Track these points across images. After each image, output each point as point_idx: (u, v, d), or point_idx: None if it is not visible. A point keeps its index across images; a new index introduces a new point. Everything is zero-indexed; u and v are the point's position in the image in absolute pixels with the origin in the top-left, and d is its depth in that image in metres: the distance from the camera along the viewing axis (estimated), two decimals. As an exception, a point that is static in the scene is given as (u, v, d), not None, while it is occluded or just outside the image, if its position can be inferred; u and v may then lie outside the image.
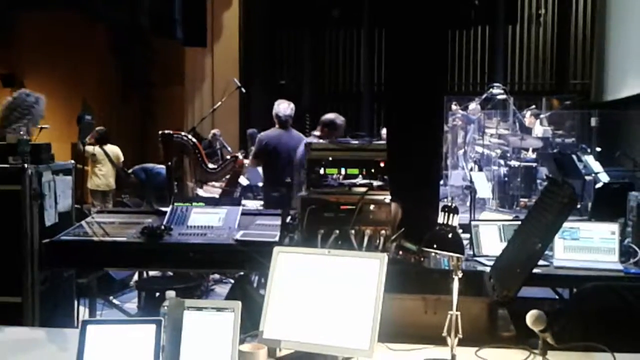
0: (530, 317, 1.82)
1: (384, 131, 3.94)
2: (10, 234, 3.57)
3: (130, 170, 9.62)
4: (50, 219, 3.74)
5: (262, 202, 6.71)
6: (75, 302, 4.00)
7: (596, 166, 7.85)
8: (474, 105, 10.02)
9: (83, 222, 3.82)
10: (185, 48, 12.13)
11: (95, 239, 3.59)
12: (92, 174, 9.41)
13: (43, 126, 6.29)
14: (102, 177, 9.44)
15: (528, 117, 10.22)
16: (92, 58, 12.31)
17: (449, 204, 2.09)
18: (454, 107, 10.29)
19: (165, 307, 1.98)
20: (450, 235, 2.04)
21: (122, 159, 9.66)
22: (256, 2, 13.15)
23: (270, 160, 6.20)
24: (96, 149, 9.44)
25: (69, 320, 3.92)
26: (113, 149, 9.58)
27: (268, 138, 6.30)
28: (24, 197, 3.58)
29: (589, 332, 2.14)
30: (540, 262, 3.43)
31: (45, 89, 13.29)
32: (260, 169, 8.72)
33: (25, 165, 3.60)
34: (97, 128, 9.64)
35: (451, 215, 2.05)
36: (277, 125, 6.38)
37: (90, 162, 9.37)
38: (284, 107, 6.35)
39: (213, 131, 9.80)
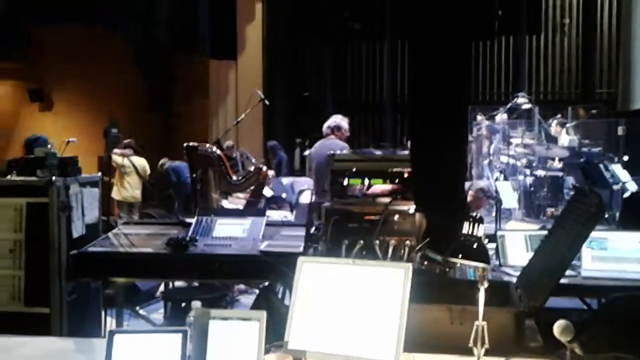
0: (558, 327, 1.80)
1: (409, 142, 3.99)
2: (39, 246, 3.63)
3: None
4: (77, 230, 3.79)
5: (285, 213, 6.72)
6: (102, 313, 4.04)
7: (624, 175, 7.75)
8: (500, 116, 9.95)
9: (110, 234, 3.86)
10: (209, 61, 12.22)
11: (121, 250, 3.63)
12: (119, 186, 9.51)
13: (70, 139, 6.38)
14: (129, 188, 9.53)
15: (554, 126, 10.12)
16: (117, 72, 12.47)
17: (474, 214, 2.08)
18: (479, 117, 10.23)
19: (191, 317, 1.99)
20: (475, 246, 2.03)
21: (148, 171, 9.76)
22: (279, 14, 13.24)
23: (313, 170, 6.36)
24: (124, 160, 9.55)
25: (96, 330, 3.96)
26: (140, 161, 9.68)
27: (312, 149, 6.50)
28: (52, 209, 3.64)
29: (617, 343, 2.11)
30: (568, 272, 3.39)
31: (71, 103, 13.59)
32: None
33: (53, 178, 3.66)
34: (126, 140, 9.77)
35: (476, 225, 2.03)
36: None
37: (118, 173, 9.48)
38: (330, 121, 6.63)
39: (227, 143, 9.86)
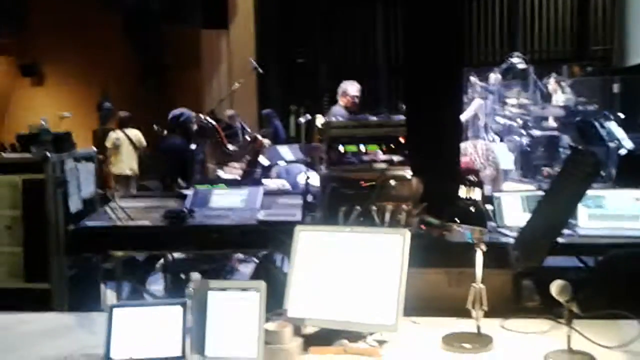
0: (555, 287, 1.81)
1: (404, 106, 3.98)
2: (36, 222, 3.63)
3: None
4: (74, 205, 3.79)
5: (283, 181, 6.73)
6: (102, 286, 4.06)
7: (619, 133, 7.75)
8: (494, 76, 9.89)
9: (107, 207, 3.86)
10: (201, 31, 12.09)
11: (119, 223, 3.64)
12: (115, 160, 9.50)
13: (64, 114, 6.35)
14: (125, 161, 9.51)
15: (552, 83, 10.07)
16: (108, 44, 12.35)
17: (471, 177, 2.08)
18: (472, 79, 10.18)
19: (190, 289, 1.99)
20: (472, 208, 2.03)
21: (144, 143, 9.72)
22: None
23: None
24: (119, 134, 9.52)
25: (96, 304, 3.98)
26: (135, 133, 9.65)
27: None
28: (48, 185, 3.63)
29: (615, 300, 2.13)
30: (565, 231, 3.40)
31: (64, 77, 13.49)
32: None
33: (48, 154, 3.65)
34: (120, 112, 9.72)
35: (473, 188, 2.03)
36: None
37: (114, 147, 9.46)
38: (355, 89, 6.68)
39: (228, 112, 9.81)
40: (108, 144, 9.49)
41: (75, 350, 2.02)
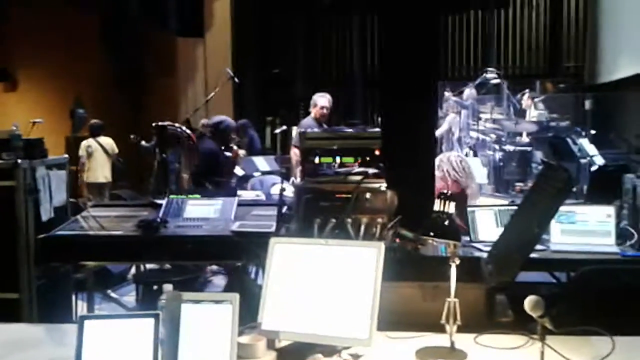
0: (528, 303, 1.82)
1: (379, 119, 4.00)
2: (6, 230, 3.57)
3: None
4: (45, 213, 3.74)
5: (258, 192, 6.71)
6: (73, 297, 4.00)
7: (591, 149, 7.86)
8: (468, 91, 10.00)
9: (79, 217, 3.81)
10: (177, 39, 12.05)
11: (91, 233, 3.58)
12: (88, 167, 9.42)
13: (36, 120, 6.27)
14: (98, 169, 9.44)
15: (525, 100, 10.20)
16: (84, 51, 12.23)
17: (445, 191, 2.09)
18: (446, 93, 10.28)
19: (163, 301, 1.97)
20: (446, 222, 2.03)
21: (116, 150, 9.66)
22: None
23: None
24: (91, 142, 9.45)
25: (67, 315, 3.93)
26: (107, 141, 9.59)
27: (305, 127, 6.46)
28: (19, 192, 3.58)
29: (588, 316, 2.15)
30: (537, 247, 3.43)
31: (37, 83, 13.30)
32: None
33: (19, 161, 3.59)
34: (92, 121, 9.66)
35: (447, 202, 2.04)
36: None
37: (86, 155, 9.38)
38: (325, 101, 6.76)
39: (202, 122, 9.77)
40: (81, 151, 9.41)
41: (44, 362, 1.98)
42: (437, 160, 4.30)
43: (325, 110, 6.75)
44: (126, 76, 12.98)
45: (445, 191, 2.10)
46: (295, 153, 6.66)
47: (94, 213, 3.85)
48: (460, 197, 3.99)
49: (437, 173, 4.19)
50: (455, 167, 4.24)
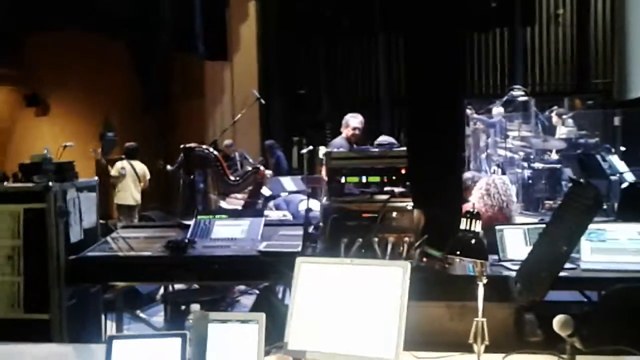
0: (557, 322, 1.80)
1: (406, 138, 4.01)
2: (37, 252, 3.61)
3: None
4: (75, 235, 3.78)
5: (285, 212, 6.73)
6: (103, 317, 4.03)
7: (621, 166, 7.76)
8: (496, 109, 9.95)
9: (108, 238, 3.85)
10: (204, 62, 12.20)
11: (120, 254, 3.62)
12: (119, 189, 9.54)
13: (67, 144, 6.38)
14: (129, 191, 9.56)
15: (554, 117, 10.12)
16: (112, 74, 12.44)
17: (471, 209, 2.08)
18: (468, 111, 10.23)
19: (190, 321, 1.98)
20: (473, 241, 2.02)
21: (148, 176, 9.78)
22: (271, 13, 13.23)
23: None
24: (124, 163, 9.58)
25: (96, 335, 3.95)
26: (141, 166, 9.73)
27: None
28: (49, 214, 3.62)
29: (619, 335, 2.11)
30: (567, 265, 3.38)
31: (67, 107, 13.54)
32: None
33: (50, 184, 3.65)
34: (127, 144, 9.81)
35: (473, 220, 2.03)
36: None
37: (120, 176, 9.52)
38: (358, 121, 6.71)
39: (226, 142, 9.84)
40: (113, 172, 9.54)
41: (74, 382, 2.00)
42: (482, 184, 4.27)
43: (357, 132, 6.75)
44: (154, 99, 13.17)
45: (471, 209, 2.09)
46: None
47: (123, 234, 3.89)
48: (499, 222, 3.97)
49: (485, 199, 4.16)
50: (502, 192, 4.19)
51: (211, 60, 11.99)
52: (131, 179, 9.60)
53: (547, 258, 2.44)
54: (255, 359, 1.85)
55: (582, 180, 4.68)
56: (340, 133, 6.90)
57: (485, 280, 2.01)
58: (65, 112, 13.32)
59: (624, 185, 6.74)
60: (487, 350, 1.99)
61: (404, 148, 3.65)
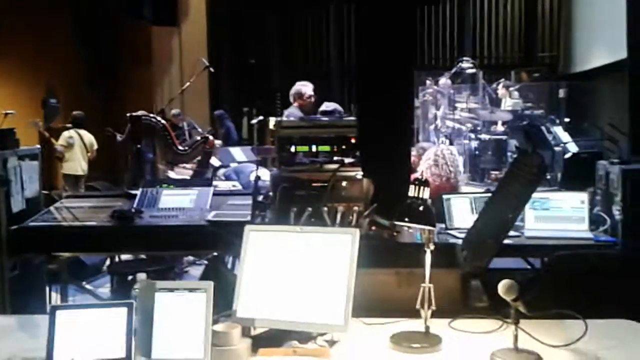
0: (503, 286, 1.83)
1: (355, 108, 3.99)
2: (-23, 222, 3.50)
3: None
4: (17, 205, 3.68)
5: (234, 183, 6.67)
6: (47, 289, 3.95)
7: (565, 137, 7.95)
8: (444, 80, 10.04)
9: (52, 208, 3.76)
10: (151, 29, 11.92)
11: (64, 224, 3.54)
12: (67, 159, 9.34)
13: (8, 112, 6.17)
14: (77, 161, 9.37)
15: (500, 89, 10.27)
16: (55, 41, 12.05)
17: (420, 177, 2.09)
18: (428, 82, 10.29)
19: (136, 290, 1.95)
20: (421, 208, 2.04)
21: (96, 146, 9.60)
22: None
23: None
24: (72, 132, 9.37)
25: (41, 307, 3.87)
26: (89, 136, 9.54)
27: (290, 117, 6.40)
28: (-11, 183, 3.51)
29: (561, 300, 2.16)
30: (512, 233, 3.46)
31: (8, 74, 13.08)
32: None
33: (-10, 151, 3.53)
34: (74, 112, 9.59)
35: (422, 188, 2.04)
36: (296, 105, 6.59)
37: (67, 145, 9.31)
38: (309, 89, 6.64)
39: (173, 112, 9.69)
40: (61, 141, 9.33)
41: (16, 353, 1.95)
42: (430, 154, 4.31)
43: (312, 99, 6.69)
44: (99, 67, 12.83)
45: (419, 177, 2.10)
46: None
47: (67, 204, 3.80)
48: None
49: (433, 169, 4.19)
50: (449, 163, 4.24)
51: (159, 26, 11.71)
52: (79, 149, 9.42)
53: (493, 225, 2.49)
54: (204, 327, 1.83)
55: (527, 149, 4.76)
56: (290, 104, 6.85)
57: (432, 247, 2.03)
58: (5, 80, 12.88)
59: (568, 155, 6.90)
60: (434, 315, 2.02)
61: (354, 118, 3.65)
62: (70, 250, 3.68)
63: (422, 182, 2.04)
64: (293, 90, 6.77)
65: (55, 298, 3.93)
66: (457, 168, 4.32)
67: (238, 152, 9.00)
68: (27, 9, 11.56)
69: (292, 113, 6.62)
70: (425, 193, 2.03)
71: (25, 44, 11.97)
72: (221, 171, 7.08)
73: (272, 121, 7.59)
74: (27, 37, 11.89)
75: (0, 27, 11.96)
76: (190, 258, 6.50)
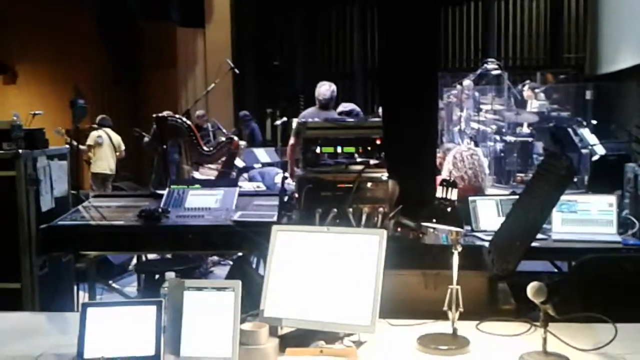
0: (531, 288, 1.82)
1: (381, 109, 3.97)
2: (7, 220, 3.57)
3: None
4: (46, 204, 3.74)
5: (258, 184, 6.71)
6: (75, 287, 4.00)
7: (592, 139, 7.85)
8: (468, 82, 9.97)
9: (80, 207, 3.81)
10: (177, 30, 12.01)
11: (92, 223, 3.58)
12: (96, 158, 9.49)
13: (36, 112, 6.25)
14: (105, 160, 9.51)
15: (526, 90, 10.18)
16: (82, 42, 12.22)
17: (448, 178, 2.08)
18: (459, 86, 10.21)
19: (166, 288, 1.97)
20: (449, 210, 2.03)
21: (123, 147, 9.74)
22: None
23: None
24: (101, 132, 9.53)
25: (69, 305, 3.93)
26: (116, 136, 9.69)
27: (306, 117, 6.32)
28: (20, 182, 3.57)
29: (589, 303, 2.15)
30: (539, 236, 3.42)
31: (36, 76, 13.30)
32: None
33: (20, 151, 3.59)
34: (100, 116, 9.74)
35: (450, 189, 2.04)
36: (317, 106, 6.42)
37: (96, 144, 9.45)
38: (324, 89, 6.45)
39: (198, 113, 9.76)
40: (89, 141, 9.47)
41: (47, 349, 1.98)
42: (450, 157, 4.27)
43: (325, 99, 6.64)
44: (126, 68, 12.97)
45: (447, 178, 2.10)
46: (292, 146, 6.63)
47: (95, 203, 3.85)
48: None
49: (453, 171, 4.16)
50: (468, 165, 4.19)
51: (186, 27, 11.79)
52: (108, 148, 9.57)
53: (520, 228, 2.47)
54: (232, 326, 1.84)
55: (555, 151, 4.71)
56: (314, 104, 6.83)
57: (460, 249, 2.03)
58: (33, 81, 13.08)
59: (595, 158, 6.82)
60: (461, 317, 2.01)
61: (378, 119, 3.65)
62: (98, 249, 3.73)
63: (450, 184, 2.04)
64: (322, 99, 6.68)
65: (82, 297, 3.98)
66: (479, 169, 4.27)
67: (262, 153, 9.05)
68: (55, 11, 11.73)
69: (308, 112, 6.59)
70: (453, 194, 2.03)
71: (50, 47, 12.16)
72: (245, 173, 7.12)
73: (294, 122, 7.57)
74: (52, 40, 12.08)
75: (28, 29, 12.17)
76: (215, 258, 6.54)
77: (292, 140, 6.72)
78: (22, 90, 13.01)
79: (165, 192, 3.83)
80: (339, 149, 3.50)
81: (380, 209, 3.10)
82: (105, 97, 11.84)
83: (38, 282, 3.61)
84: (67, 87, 12.01)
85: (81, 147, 9.33)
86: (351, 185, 3.14)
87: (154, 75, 12.81)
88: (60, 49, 12.19)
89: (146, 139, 8.13)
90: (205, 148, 5.65)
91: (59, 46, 12.15)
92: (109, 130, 9.68)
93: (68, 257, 3.89)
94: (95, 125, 9.70)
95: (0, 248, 3.57)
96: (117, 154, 9.71)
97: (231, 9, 12.42)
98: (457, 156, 4.23)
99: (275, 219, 3.40)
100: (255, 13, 13.57)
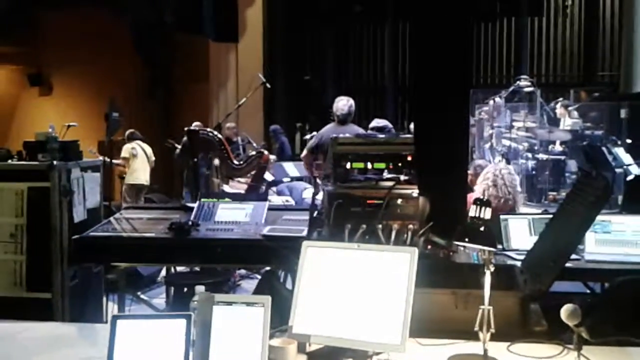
0: (565, 311, 1.79)
1: (412, 125, 3.94)
2: (40, 231, 3.61)
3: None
4: (79, 215, 3.78)
5: (287, 198, 6.70)
6: (104, 298, 4.03)
7: (627, 158, 7.73)
8: (499, 99, 9.90)
9: (112, 218, 3.84)
10: (209, 44, 12.14)
11: (123, 234, 3.61)
12: (132, 169, 9.63)
13: (71, 124, 6.35)
14: (141, 171, 9.65)
15: (559, 108, 10.07)
16: (117, 55, 12.40)
17: (482, 197, 2.06)
18: (491, 102, 10.12)
19: (195, 302, 1.97)
20: (482, 229, 2.01)
21: (153, 158, 9.87)
22: (279, -3, 13.15)
23: (325, 155, 6.20)
24: (134, 144, 9.68)
25: (98, 315, 3.96)
26: (148, 148, 9.84)
27: (324, 133, 6.32)
28: (53, 193, 3.62)
29: (623, 326, 2.10)
30: (572, 257, 3.37)
31: (71, 87, 13.52)
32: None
33: (54, 162, 3.64)
34: (128, 131, 9.89)
35: (483, 208, 2.01)
36: (335, 121, 6.37)
37: (130, 157, 9.60)
38: (342, 104, 6.42)
39: (228, 125, 9.83)
40: (124, 154, 9.61)
41: (77, 360, 2.00)
42: (489, 174, 4.22)
43: (341, 114, 6.55)
44: (159, 81, 13.13)
45: (481, 197, 2.07)
46: (306, 157, 6.65)
47: (127, 215, 3.88)
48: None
49: (492, 190, 4.11)
50: (508, 184, 4.14)
51: (221, 42, 11.91)
52: (142, 159, 9.71)
53: (555, 248, 2.44)
54: (261, 341, 1.84)
55: (592, 171, 4.64)
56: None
57: (492, 269, 2.00)
58: (68, 93, 13.29)
59: (629, 177, 6.72)
60: (493, 338, 1.98)
61: (409, 135, 3.64)
62: (128, 260, 3.75)
63: (484, 203, 2.02)
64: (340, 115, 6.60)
65: (112, 307, 4.01)
66: (516, 189, 4.23)
67: (291, 168, 9.05)
68: (91, 23, 11.93)
69: (326, 130, 6.51)
70: (487, 213, 2.01)
71: (86, 59, 12.36)
72: (274, 187, 7.13)
73: (308, 136, 7.50)
74: (88, 52, 12.28)
75: (63, 41, 12.39)
76: (243, 271, 6.55)
77: (304, 153, 6.73)
78: (57, 102, 13.23)
79: (195, 205, 3.85)
80: (369, 165, 3.49)
81: (410, 226, 3.08)
82: (139, 109, 11.99)
83: (69, 293, 3.65)
84: (101, 99, 12.18)
85: (115, 161, 9.47)
86: (381, 202, 3.13)
87: (187, 89, 12.94)
88: (96, 61, 12.38)
89: (178, 148, 8.22)
90: (235, 162, 5.68)
91: (94, 58, 12.34)
92: (140, 142, 9.83)
93: (98, 268, 3.93)
94: (126, 139, 9.86)
95: (33, 258, 3.62)
96: (150, 164, 9.86)
97: (263, 24, 12.52)
98: (497, 174, 4.18)
99: (304, 234, 3.39)
100: (286, 28, 13.65)
